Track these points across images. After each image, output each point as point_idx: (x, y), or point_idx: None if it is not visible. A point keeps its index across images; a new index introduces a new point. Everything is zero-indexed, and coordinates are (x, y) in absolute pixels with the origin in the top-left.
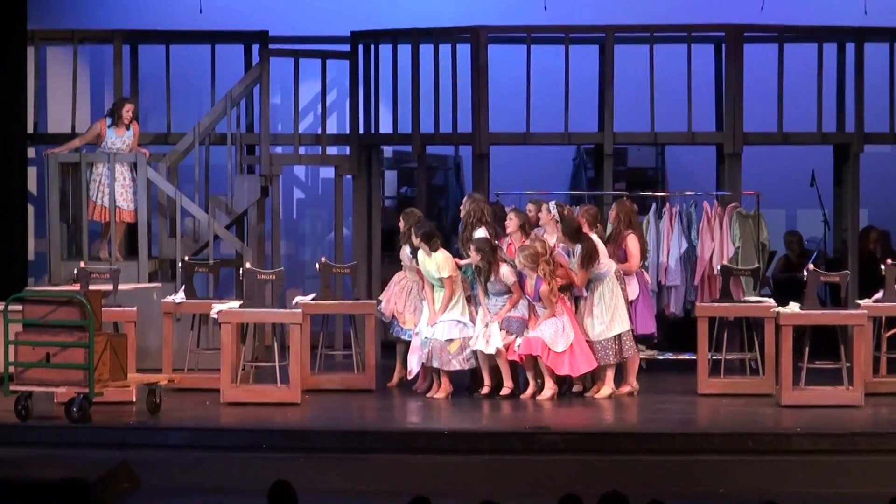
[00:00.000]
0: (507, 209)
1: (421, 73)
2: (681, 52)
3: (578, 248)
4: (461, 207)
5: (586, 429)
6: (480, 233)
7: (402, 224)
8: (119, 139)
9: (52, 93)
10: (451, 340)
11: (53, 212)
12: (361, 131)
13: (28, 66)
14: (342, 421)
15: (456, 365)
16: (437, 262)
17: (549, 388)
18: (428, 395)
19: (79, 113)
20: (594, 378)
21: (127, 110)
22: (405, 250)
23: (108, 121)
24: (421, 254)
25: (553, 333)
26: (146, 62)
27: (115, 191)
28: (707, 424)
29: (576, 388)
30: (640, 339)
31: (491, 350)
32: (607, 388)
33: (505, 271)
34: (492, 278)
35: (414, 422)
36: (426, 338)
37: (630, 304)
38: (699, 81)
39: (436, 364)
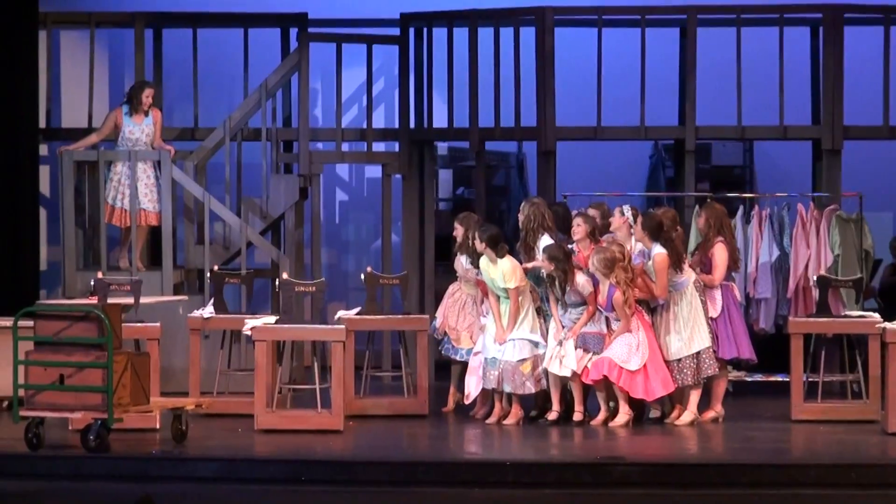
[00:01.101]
0: (572, 214)
1: (480, 59)
2: (772, 35)
3: (655, 248)
4: (520, 213)
5: (665, 459)
6: (545, 240)
7: (457, 230)
8: (137, 127)
9: (66, 83)
10: (523, 361)
11: (68, 216)
12: (412, 125)
13: (40, 52)
14: (390, 451)
15: (530, 388)
16: (503, 271)
17: (624, 414)
18: (488, 421)
19: (96, 105)
20: (674, 402)
21: (146, 95)
22: (461, 260)
23: (125, 108)
24: (484, 261)
25: (626, 351)
26: (171, 48)
27: (139, 191)
28: (803, 455)
29: (653, 414)
30: (730, 362)
31: (565, 372)
32: (689, 414)
33: (581, 281)
34: (567, 288)
35: (472, 451)
36: (494, 359)
37: (712, 322)
38: (793, 69)
39: (508, 389)
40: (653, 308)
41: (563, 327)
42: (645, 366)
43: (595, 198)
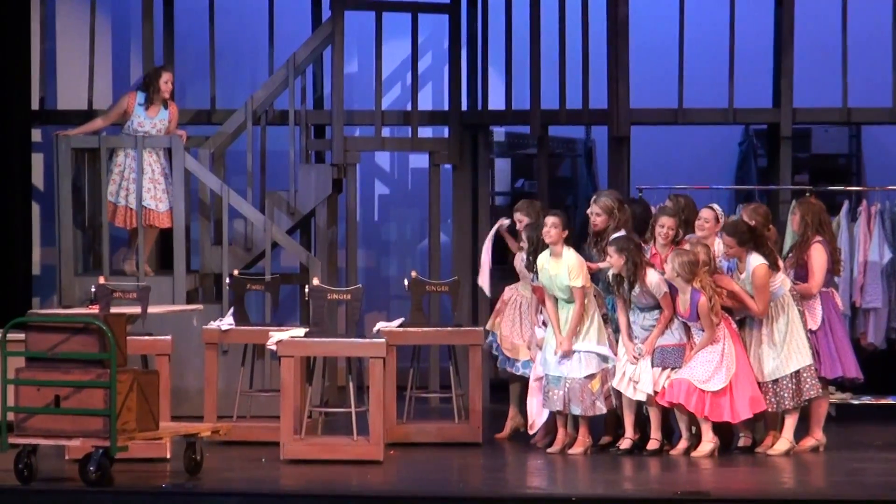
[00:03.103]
0: (654, 211)
1: (543, 31)
2: (884, 2)
3: (753, 259)
4: (596, 212)
5: (757, 495)
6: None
7: (520, 219)
8: (149, 121)
9: (63, 58)
10: (591, 377)
11: (65, 212)
12: (464, 108)
13: (32, 23)
14: (438, 484)
15: (601, 407)
16: (568, 266)
17: (709, 442)
18: (551, 449)
19: (97, 84)
20: (767, 428)
21: (165, 81)
22: (520, 256)
23: (141, 97)
24: (544, 257)
25: (707, 369)
26: (184, 17)
27: (142, 186)
28: None
29: (742, 442)
30: (833, 382)
31: (640, 397)
32: (785, 442)
33: (654, 279)
34: (636, 289)
35: (534, 485)
36: (558, 377)
37: (811, 335)
38: None
39: (577, 411)
40: (739, 320)
41: (635, 338)
42: (731, 382)
43: (675, 191)
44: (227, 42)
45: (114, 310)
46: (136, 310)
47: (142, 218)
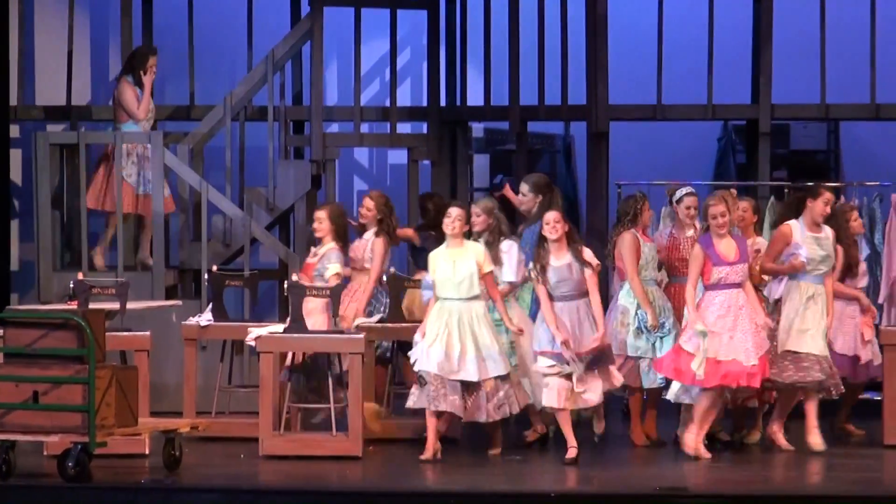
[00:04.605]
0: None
1: (521, 27)
2: None
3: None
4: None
5: (735, 490)
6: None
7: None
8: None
9: (41, 53)
10: (496, 377)
11: (44, 208)
12: (443, 104)
13: (11, 18)
14: (416, 480)
15: (498, 414)
16: (479, 252)
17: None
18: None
19: (76, 79)
20: (756, 422)
21: (152, 66)
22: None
23: (130, 79)
24: (441, 251)
25: (756, 340)
26: (163, 13)
27: (127, 173)
28: None
29: (722, 437)
30: None
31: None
32: (817, 434)
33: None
34: (562, 262)
35: (513, 482)
36: (454, 382)
37: None
38: (886, 38)
39: (482, 417)
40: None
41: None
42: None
43: (655, 188)
44: (206, 38)
45: (92, 305)
46: (115, 306)
47: (139, 207)
